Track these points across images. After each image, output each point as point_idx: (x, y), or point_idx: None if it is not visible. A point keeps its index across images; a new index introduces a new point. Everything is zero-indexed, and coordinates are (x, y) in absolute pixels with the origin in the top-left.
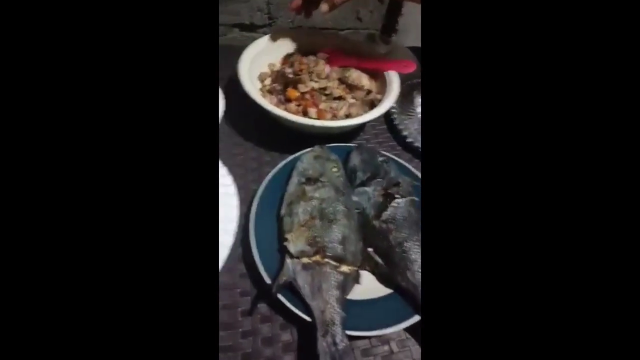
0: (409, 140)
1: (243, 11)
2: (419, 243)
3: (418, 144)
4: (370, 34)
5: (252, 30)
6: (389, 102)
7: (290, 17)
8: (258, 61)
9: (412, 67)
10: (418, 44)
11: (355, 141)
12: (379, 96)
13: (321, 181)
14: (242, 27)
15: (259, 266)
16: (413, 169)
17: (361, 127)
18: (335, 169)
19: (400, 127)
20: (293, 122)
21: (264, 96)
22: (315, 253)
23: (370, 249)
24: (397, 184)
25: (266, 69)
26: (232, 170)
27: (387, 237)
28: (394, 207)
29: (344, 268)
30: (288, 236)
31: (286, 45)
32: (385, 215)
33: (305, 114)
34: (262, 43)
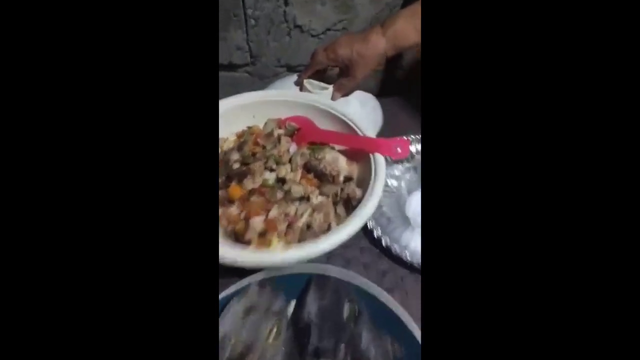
0: (407, 259)
1: (221, 50)
2: None
3: (418, 262)
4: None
5: (232, 69)
6: (373, 202)
7: (275, 55)
8: None
9: (406, 150)
10: None
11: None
12: (358, 191)
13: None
14: (221, 67)
15: None
16: (400, 314)
17: None
18: (275, 330)
19: (386, 240)
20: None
21: None
22: None
23: None
24: None
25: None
26: None
27: None
28: None
29: None
30: None
31: (250, 111)
32: None
33: (247, 223)
34: (222, 106)
